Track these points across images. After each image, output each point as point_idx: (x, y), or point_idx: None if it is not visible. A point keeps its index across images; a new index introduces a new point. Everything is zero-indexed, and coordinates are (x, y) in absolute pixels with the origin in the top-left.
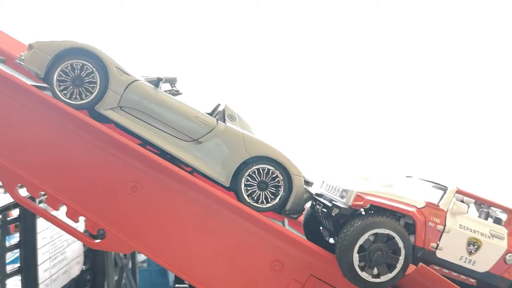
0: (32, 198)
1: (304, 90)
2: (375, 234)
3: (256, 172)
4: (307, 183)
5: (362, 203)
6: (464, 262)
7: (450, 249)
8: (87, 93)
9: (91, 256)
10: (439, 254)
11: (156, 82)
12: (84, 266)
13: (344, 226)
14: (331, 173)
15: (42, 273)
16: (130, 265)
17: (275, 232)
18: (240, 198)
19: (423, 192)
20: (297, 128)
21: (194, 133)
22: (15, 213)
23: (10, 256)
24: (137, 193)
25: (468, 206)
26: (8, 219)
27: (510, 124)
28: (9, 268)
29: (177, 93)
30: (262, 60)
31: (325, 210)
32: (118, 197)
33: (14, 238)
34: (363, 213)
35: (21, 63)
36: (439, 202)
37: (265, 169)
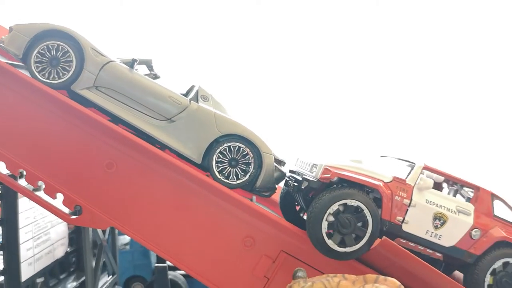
0: (12, 176)
1: (304, 89)
2: (345, 205)
3: (227, 149)
4: (279, 162)
5: (329, 175)
6: (430, 236)
7: (416, 223)
8: (64, 72)
9: (76, 239)
10: (405, 227)
11: (131, 63)
12: (69, 248)
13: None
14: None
15: (25, 252)
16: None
17: (245, 208)
18: (211, 175)
19: (395, 169)
20: (298, 128)
21: (167, 112)
22: None
23: None
24: (112, 171)
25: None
26: None
27: (503, 121)
28: None
29: (155, 76)
30: (262, 59)
31: (296, 184)
32: (94, 174)
33: None
34: None
35: (1, 45)
36: (406, 178)
37: (236, 146)
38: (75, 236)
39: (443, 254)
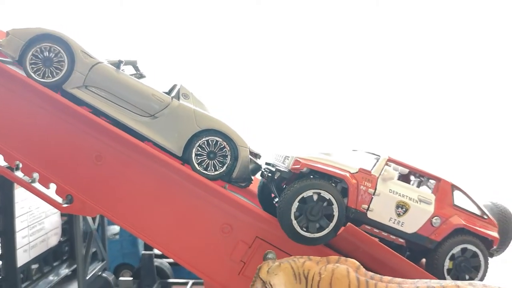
0: (10, 167)
1: (304, 89)
2: (311, 194)
3: (206, 143)
4: (255, 155)
5: (299, 166)
6: (393, 223)
7: (380, 211)
8: (56, 72)
9: (69, 229)
10: (370, 215)
11: (117, 64)
12: (62, 238)
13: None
14: None
15: (21, 239)
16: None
17: (223, 198)
18: (191, 166)
19: (362, 161)
20: (297, 128)
21: (151, 109)
22: None
23: None
24: (101, 163)
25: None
26: None
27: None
28: None
29: (141, 76)
30: (262, 59)
31: (270, 175)
32: (85, 166)
33: None
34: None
35: (0, 48)
36: (372, 169)
37: (213, 140)
38: (68, 226)
39: (406, 240)
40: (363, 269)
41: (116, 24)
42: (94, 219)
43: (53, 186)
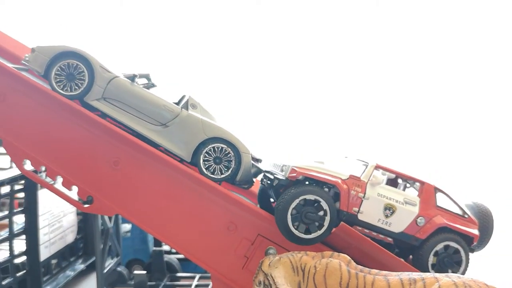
0: (35, 171)
1: (304, 88)
2: (305, 199)
3: (212, 149)
4: (256, 160)
5: (295, 174)
6: (382, 223)
7: (369, 213)
8: (79, 86)
9: (84, 227)
10: (360, 217)
11: (132, 78)
12: (77, 235)
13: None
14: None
15: (42, 236)
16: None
17: (228, 199)
18: (199, 171)
19: (353, 168)
20: (298, 129)
21: (162, 119)
22: None
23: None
24: (118, 167)
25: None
26: (16, 189)
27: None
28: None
29: (152, 86)
30: (262, 59)
31: (269, 182)
32: (104, 170)
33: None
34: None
35: (26, 63)
36: (361, 175)
37: (219, 147)
38: (83, 225)
39: (394, 239)
40: (353, 263)
41: (116, 24)
42: (110, 218)
43: (74, 188)
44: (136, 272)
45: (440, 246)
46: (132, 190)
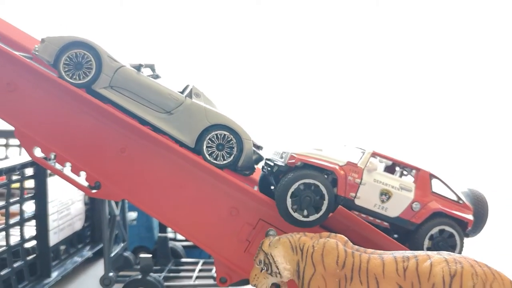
0: (45, 158)
1: (304, 88)
2: (304, 184)
3: (215, 136)
4: (258, 147)
5: (294, 161)
6: (378, 208)
7: (366, 198)
8: (86, 74)
9: (91, 216)
10: (357, 202)
11: (138, 67)
12: (85, 223)
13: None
14: None
15: (52, 222)
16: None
17: (231, 184)
18: (202, 157)
19: (351, 155)
20: (300, 124)
21: (167, 107)
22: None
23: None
24: (125, 154)
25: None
26: (26, 175)
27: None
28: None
29: (157, 76)
30: (262, 59)
31: (269, 168)
32: (111, 156)
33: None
34: None
35: (36, 53)
36: (358, 162)
37: (222, 134)
38: (90, 213)
39: (390, 223)
40: (350, 243)
41: (116, 24)
42: (117, 205)
43: (83, 174)
44: (141, 255)
45: (435, 230)
46: (138, 176)
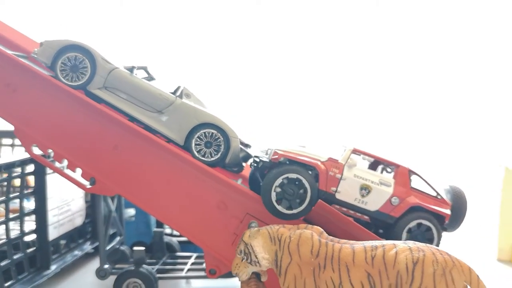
0: (43, 155)
1: (304, 88)
2: (288, 178)
3: (203, 134)
4: (246, 145)
5: (277, 157)
6: (358, 202)
7: (347, 193)
8: (82, 76)
9: (92, 212)
10: (338, 196)
11: (131, 69)
12: (86, 219)
13: None
14: None
15: (51, 217)
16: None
17: (218, 180)
18: (191, 154)
19: (333, 152)
20: (297, 125)
21: (158, 106)
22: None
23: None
24: (118, 151)
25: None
26: (26, 172)
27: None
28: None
29: (151, 78)
30: (262, 59)
31: (256, 164)
32: (105, 154)
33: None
34: None
35: (35, 56)
36: (340, 158)
37: (210, 132)
38: (91, 210)
39: (370, 217)
40: (325, 234)
41: (116, 23)
42: (113, 200)
43: (78, 170)
44: (135, 248)
45: (413, 224)
46: (130, 172)
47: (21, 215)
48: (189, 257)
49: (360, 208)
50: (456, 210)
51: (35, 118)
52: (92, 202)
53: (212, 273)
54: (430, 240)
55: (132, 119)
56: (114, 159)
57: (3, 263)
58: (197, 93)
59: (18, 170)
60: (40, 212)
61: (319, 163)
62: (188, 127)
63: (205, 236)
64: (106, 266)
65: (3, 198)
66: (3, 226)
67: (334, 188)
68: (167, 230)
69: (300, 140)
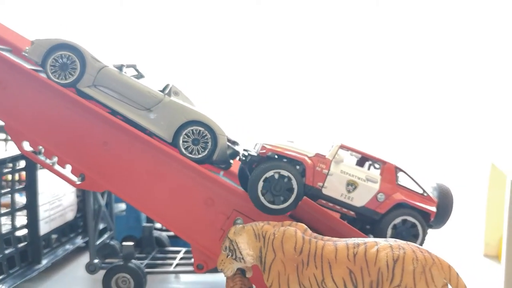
0: (34, 152)
1: (304, 88)
2: (275, 173)
3: (191, 132)
4: (233, 142)
5: (265, 151)
6: (344, 198)
7: (333, 188)
8: (71, 74)
9: (83, 207)
10: (324, 191)
11: (120, 67)
12: (77, 214)
13: None
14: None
15: (43, 212)
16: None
17: (205, 176)
18: (179, 151)
19: (322, 148)
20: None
21: (146, 104)
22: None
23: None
24: (107, 147)
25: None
26: (17, 168)
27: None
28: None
29: (141, 76)
30: (262, 59)
31: (244, 158)
32: (94, 150)
33: None
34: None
35: (26, 54)
36: (327, 154)
37: (197, 129)
38: (82, 205)
39: (356, 212)
40: (309, 231)
41: (116, 23)
42: (103, 196)
43: (68, 167)
44: (124, 243)
45: (398, 220)
46: (119, 168)
47: (13, 210)
48: (178, 252)
49: (346, 204)
50: (442, 208)
51: (25, 115)
52: (83, 197)
53: (199, 268)
54: (415, 237)
55: (122, 117)
56: (103, 156)
57: None
58: (187, 91)
59: (10, 165)
60: (31, 207)
61: (306, 158)
62: (176, 124)
63: (193, 232)
64: (96, 260)
65: None
66: None
67: (320, 183)
68: (157, 225)
69: (290, 135)
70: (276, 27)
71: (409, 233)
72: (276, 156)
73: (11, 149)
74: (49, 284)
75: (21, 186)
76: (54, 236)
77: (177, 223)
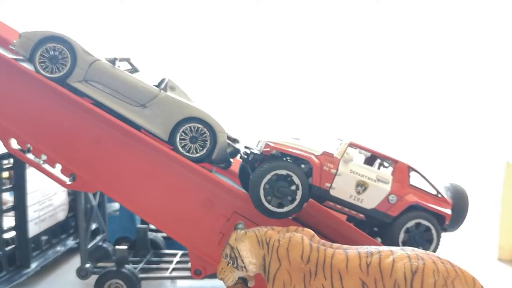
0: (22, 150)
1: (304, 88)
2: (277, 174)
3: (189, 129)
4: (233, 140)
5: (269, 149)
6: (354, 200)
7: (342, 189)
8: (61, 68)
9: (75, 206)
10: (332, 192)
11: (113, 61)
12: (69, 214)
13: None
14: None
15: (32, 213)
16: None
17: (204, 176)
18: (176, 149)
19: (329, 146)
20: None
21: (141, 100)
22: None
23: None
24: (99, 146)
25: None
26: (4, 167)
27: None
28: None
29: (135, 70)
30: (262, 59)
31: (246, 156)
32: (86, 148)
33: None
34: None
35: (13, 48)
36: (335, 152)
37: (195, 127)
38: (74, 204)
39: (365, 215)
40: (317, 237)
41: (115, 22)
42: (95, 196)
43: (58, 166)
44: (117, 247)
45: (411, 224)
46: (113, 168)
47: (0, 211)
48: (174, 255)
49: (356, 206)
50: (457, 210)
51: (12, 111)
52: (74, 196)
53: (197, 274)
54: (429, 241)
55: (114, 113)
56: (95, 154)
57: None
58: (184, 86)
59: None
60: (20, 208)
61: (313, 157)
62: (172, 121)
63: (190, 235)
64: (88, 265)
65: None
66: None
67: (328, 184)
68: (152, 226)
69: (295, 132)
70: (276, 27)
71: (422, 238)
72: (280, 155)
73: None
74: None
75: (8, 186)
76: (44, 237)
77: (173, 226)
